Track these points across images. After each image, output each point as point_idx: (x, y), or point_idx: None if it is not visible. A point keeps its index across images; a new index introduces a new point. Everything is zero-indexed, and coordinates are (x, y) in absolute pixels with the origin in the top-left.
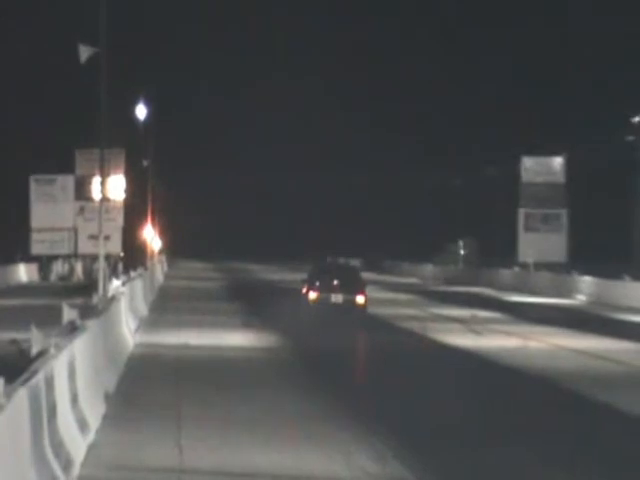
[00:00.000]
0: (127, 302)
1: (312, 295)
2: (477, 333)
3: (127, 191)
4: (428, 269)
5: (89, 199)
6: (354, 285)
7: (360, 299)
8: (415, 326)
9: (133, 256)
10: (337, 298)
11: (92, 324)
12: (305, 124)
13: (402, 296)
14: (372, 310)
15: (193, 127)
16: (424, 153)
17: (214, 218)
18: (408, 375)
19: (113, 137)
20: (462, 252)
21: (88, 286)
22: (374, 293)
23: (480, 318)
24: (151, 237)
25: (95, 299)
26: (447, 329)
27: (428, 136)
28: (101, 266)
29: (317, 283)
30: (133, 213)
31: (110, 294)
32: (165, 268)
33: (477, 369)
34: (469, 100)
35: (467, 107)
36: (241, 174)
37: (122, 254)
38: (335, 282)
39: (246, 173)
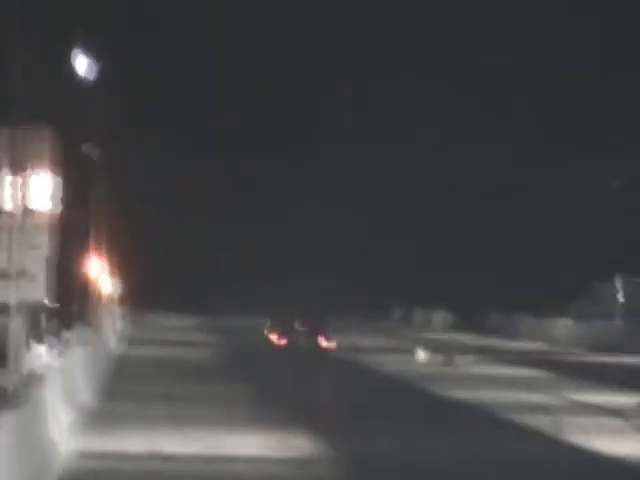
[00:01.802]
0: (59, 384)
1: None
2: None
3: (60, 199)
4: (563, 327)
5: None
6: None
7: None
8: (545, 423)
9: (68, 306)
10: None
11: None
12: None
13: (522, 372)
14: (478, 396)
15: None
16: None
17: (202, 245)
18: None
19: (36, 108)
20: (621, 298)
21: None
22: (477, 367)
23: None
24: (99, 275)
25: (5, 379)
26: (597, 426)
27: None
28: (13, 325)
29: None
30: (70, 235)
31: (29, 371)
32: (126, 326)
33: None
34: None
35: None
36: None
37: (51, 303)
38: None
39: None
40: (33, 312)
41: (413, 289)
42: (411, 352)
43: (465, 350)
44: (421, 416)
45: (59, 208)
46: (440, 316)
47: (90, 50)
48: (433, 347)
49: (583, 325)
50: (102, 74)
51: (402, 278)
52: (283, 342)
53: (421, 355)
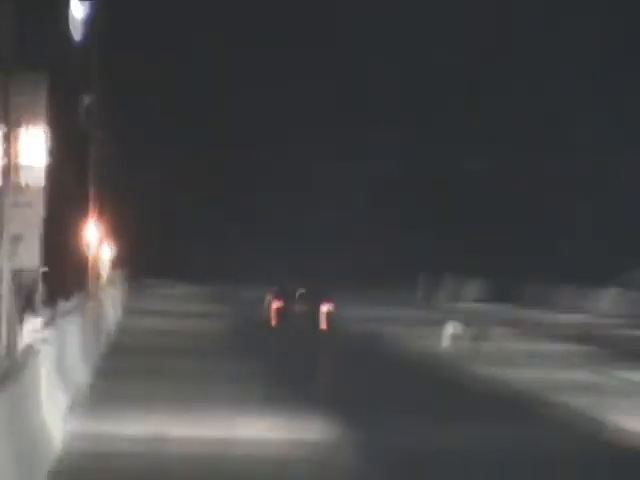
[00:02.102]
0: (52, 359)
1: None
2: None
3: (52, 156)
4: (609, 297)
5: None
6: None
7: None
8: (589, 404)
9: (63, 274)
10: None
11: None
12: None
13: (562, 347)
14: (511, 375)
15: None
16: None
17: (208, 206)
18: None
19: (27, 51)
20: None
21: None
22: (510, 342)
23: None
24: (96, 241)
25: None
26: None
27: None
28: (4, 292)
29: None
30: (63, 197)
31: (21, 344)
32: (123, 296)
33: None
34: None
35: None
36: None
37: (44, 269)
38: None
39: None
40: (26, 280)
41: (444, 257)
42: (441, 325)
43: (501, 323)
44: (454, 400)
45: (50, 165)
46: (473, 285)
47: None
48: (465, 319)
49: (631, 294)
50: (97, 23)
51: (434, 246)
52: (279, 309)
53: (452, 328)
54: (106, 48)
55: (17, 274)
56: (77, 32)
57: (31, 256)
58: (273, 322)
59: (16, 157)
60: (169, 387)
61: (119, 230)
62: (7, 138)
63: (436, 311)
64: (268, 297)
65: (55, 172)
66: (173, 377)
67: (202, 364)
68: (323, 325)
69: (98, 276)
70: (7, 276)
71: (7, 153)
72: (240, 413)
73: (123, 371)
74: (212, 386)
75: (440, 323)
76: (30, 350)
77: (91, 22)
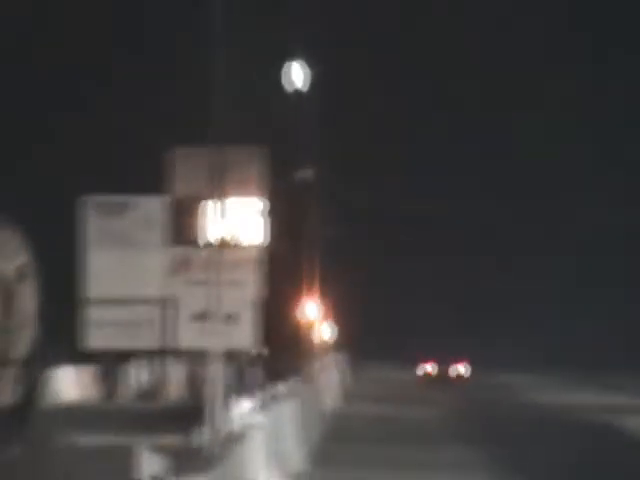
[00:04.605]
0: (265, 444)
1: None
2: None
3: (271, 232)
4: None
5: (197, 244)
6: None
7: None
8: None
9: (280, 356)
10: None
11: None
12: None
13: None
14: None
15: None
16: None
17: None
18: None
19: (242, 127)
20: None
21: (192, 412)
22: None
23: None
24: (314, 318)
25: (200, 437)
26: None
27: None
28: (214, 374)
29: None
30: (277, 273)
31: (230, 428)
32: (345, 379)
33: None
34: None
35: None
36: None
37: (263, 351)
38: None
39: None
40: (237, 361)
41: None
42: None
43: None
44: None
45: (267, 240)
46: None
47: (306, 62)
48: None
49: None
50: (313, 88)
51: None
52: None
53: None
54: (327, 121)
55: (231, 356)
56: (296, 96)
57: (246, 337)
58: None
59: (231, 234)
60: (389, 477)
61: (337, 309)
62: (221, 212)
63: None
64: None
65: (270, 248)
66: (393, 466)
67: (424, 453)
68: None
69: (315, 356)
70: (216, 358)
71: (221, 229)
72: None
73: (340, 458)
74: (433, 475)
75: None
76: (240, 435)
77: (305, 91)
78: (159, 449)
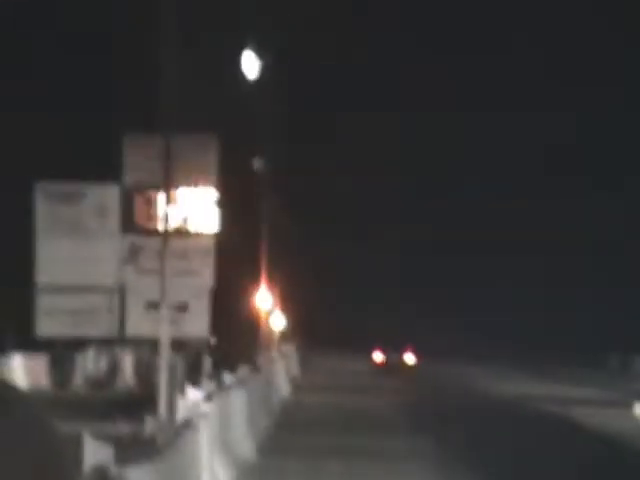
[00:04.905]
0: (213, 433)
1: None
2: None
3: (222, 221)
4: None
5: (149, 232)
6: None
7: None
8: None
9: (230, 345)
10: None
11: (139, 476)
12: None
13: None
14: None
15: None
16: None
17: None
18: None
19: (198, 112)
20: None
21: (143, 400)
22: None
23: None
24: (267, 309)
25: (151, 425)
26: None
27: None
28: (164, 361)
29: None
30: (230, 262)
31: (181, 416)
32: (294, 369)
33: None
34: None
35: None
36: None
37: (212, 341)
38: None
39: None
40: (187, 350)
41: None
42: (630, 406)
43: None
44: None
45: (219, 229)
46: None
47: (258, 49)
48: None
49: None
50: (266, 76)
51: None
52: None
53: None
54: (280, 110)
55: (181, 345)
56: (245, 86)
57: (198, 326)
58: None
59: (183, 222)
60: (339, 467)
61: (291, 299)
62: (169, 202)
63: (625, 392)
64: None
65: (222, 236)
66: (342, 455)
67: (374, 441)
68: None
69: (268, 347)
70: (166, 347)
71: (169, 218)
72: None
73: (290, 447)
74: (382, 465)
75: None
76: (188, 424)
77: (255, 79)
78: (106, 438)
